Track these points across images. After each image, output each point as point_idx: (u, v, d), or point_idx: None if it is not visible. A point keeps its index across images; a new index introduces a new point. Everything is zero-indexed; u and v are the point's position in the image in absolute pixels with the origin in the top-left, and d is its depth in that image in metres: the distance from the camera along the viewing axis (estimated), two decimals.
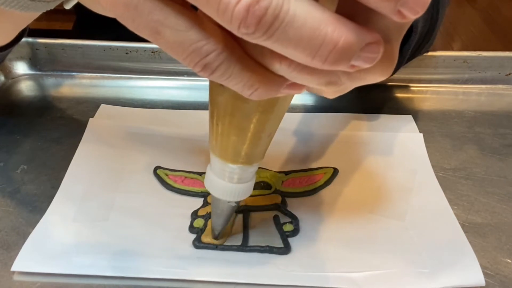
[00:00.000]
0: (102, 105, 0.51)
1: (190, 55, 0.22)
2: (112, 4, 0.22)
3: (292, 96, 0.29)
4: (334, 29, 0.19)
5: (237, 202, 0.33)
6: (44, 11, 0.35)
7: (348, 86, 0.24)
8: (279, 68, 0.22)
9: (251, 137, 0.29)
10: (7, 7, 0.33)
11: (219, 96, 0.28)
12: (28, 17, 0.40)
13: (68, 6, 0.36)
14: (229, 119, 0.28)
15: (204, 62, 0.22)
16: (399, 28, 0.23)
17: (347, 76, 0.23)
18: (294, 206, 0.40)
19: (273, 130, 0.30)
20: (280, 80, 0.23)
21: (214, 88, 0.28)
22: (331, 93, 0.26)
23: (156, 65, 0.57)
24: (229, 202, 0.33)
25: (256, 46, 0.21)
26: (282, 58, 0.22)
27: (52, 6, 0.35)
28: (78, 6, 0.36)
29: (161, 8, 0.21)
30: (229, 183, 0.31)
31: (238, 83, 0.23)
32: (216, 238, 0.36)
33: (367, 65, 0.21)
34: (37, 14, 0.37)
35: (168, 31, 0.21)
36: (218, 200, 0.33)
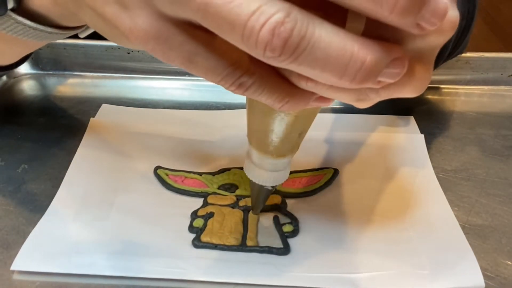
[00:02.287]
0: (103, 105, 0.51)
1: (224, 79, 0.22)
2: (142, 39, 0.22)
3: None
4: (360, 47, 0.19)
5: (273, 186, 0.35)
6: (55, 40, 0.36)
7: (376, 100, 0.25)
8: (306, 87, 0.23)
9: (283, 135, 0.31)
10: (24, 37, 0.34)
11: (254, 101, 0.29)
12: (37, 44, 0.41)
13: (82, 35, 0.37)
14: (263, 119, 0.31)
15: (237, 83, 0.23)
16: (431, 48, 0.23)
17: (376, 93, 0.23)
18: (294, 206, 0.40)
19: (304, 130, 0.32)
20: (309, 94, 0.24)
21: None
22: (360, 105, 0.26)
23: (157, 65, 0.57)
24: (265, 186, 0.35)
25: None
26: (308, 78, 0.22)
27: (63, 37, 0.36)
28: None
29: (191, 38, 0.22)
30: (265, 171, 0.34)
31: (269, 98, 0.23)
32: (255, 213, 0.39)
33: (392, 80, 0.21)
34: (43, 43, 0.38)
35: (200, 59, 0.22)
36: (255, 184, 0.35)
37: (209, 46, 0.22)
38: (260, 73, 0.23)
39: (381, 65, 0.20)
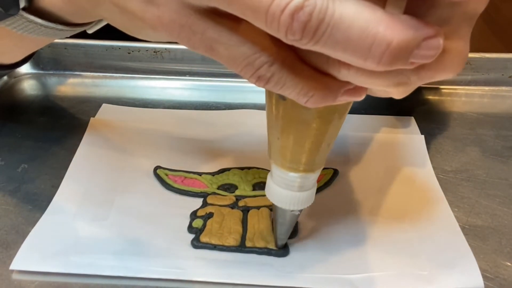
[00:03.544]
0: (104, 105, 0.51)
1: (244, 69, 0.23)
2: (168, 27, 0.23)
3: (351, 104, 0.29)
4: (386, 28, 0.19)
5: (300, 210, 0.33)
6: (65, 37, 0.37)
7: (417, 84, 0.24)
8: (339, 73, 0.23)
9: (311, 147, 0.29)
10: (35, 34, 0.35)
11: (278, 107, 0.28)
12: (46, 41, 0.41)
13: (90, 31, 0.38)
14: (288, 130, 0.28)
15: (258, 74, 0.23)
16: (468, 19, 0.22)
17: (417, 76, 0.22)
18: None
19: (332, 140, 0.30)
20: (336, 85, 0.23)
21: (272, 98, 0.28)
22: (399, 93, 0.25)
23: (158, 64, 0.57)
24: (292, 211, 0.32)
25: (312, 52, 0.21)
26: (341, 62, 0.22)
27: (72, 33, 0.36)
28: None
29: (214, 26, 0.22)
30: (291, 191, 0.31)
31: (293, 91, 0.23)
32: (280, 248, 0.36)
33: (427, 61, 0.21)
34: (53, 39, 0.38)
35: (221, 47, 0.23)
36: (280, 209, 0.33)
37: (231, 34, 0.22)
38: (283, 65, 0.23)
39: (411, 46, 0.20)
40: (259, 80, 0.23)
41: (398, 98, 0.25)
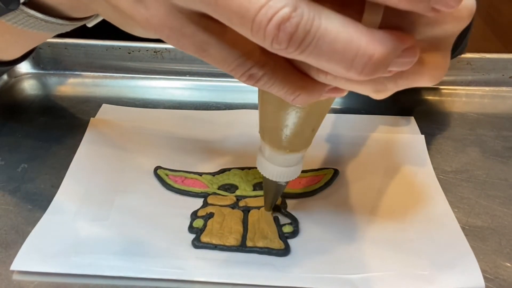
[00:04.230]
0: (104, 105, 0.51)
1: (235, 69, 0.23)
2: (158, 29, 0.23)
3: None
4: (369, 42, 0.20)
5: (286, 182, 0.36)
6: (64, 31, 0.36)
7: (394, 90, 0.25)
8: (320, 78, 0.23)
9: (297, 130, 0.31)
10: (35, 29, 0.35)
11: (267, 95, 0.30)
12: (45, 36, 0.41)
13: (90, 24, 0.38)
14: (276, 114, 0.31)
15: (248, 73, 0.23)
16: (448, 36, 0.23)
17: (394, 83, 0.24)
18: (294, 207, 0.40)
19: (317, 125, 0.33)
20: (321, 85, 0.24)
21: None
22: (377, 96, 0.26)
23: (158, 64, 0.57)
24: (278, 182, 0.36)
25: None
26: (319, 69, 0.22)
27: (72, 28, 0.36)
28: None
29: (204, 29, 0.23)
30: (277, 166, 0.34)
31: (281, 90, 0.24)
32: (268, 210, 0.39)
33: (403, 69, 0.21)
34: (52, 34, 0.38)
35: (212, 49, 0.23)
36: (268, 180, 0.36)
37: (221, 36, 0.23)
38: (272, 65, 0.23)
39: (390, 57, 0.20)
40: (249, 79, 0.23)
41: (377, 99, 0.26)
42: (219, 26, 0.22)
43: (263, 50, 0.22)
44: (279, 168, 0.34)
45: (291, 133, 0.31)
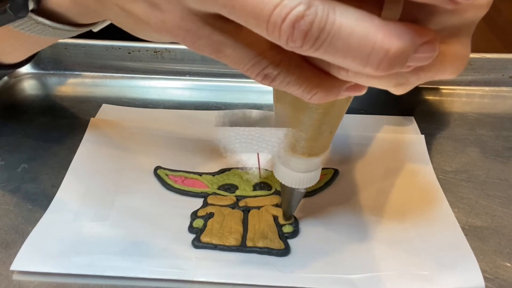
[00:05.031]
0: (104, 105, 0.51)
1: (250, 68, 0.23)
2: (173, 31, 0.24)
3: (352, 96, 0.30)
4: (385, 36, 0.20)
5: (305, 189, 0.35)
6: (68, 37, 0.37)
7: (417, 84, 0.24)
8: (341, 75, 0.23)
9: (317, 133, 0.31)
10: (42, 35, 0.35)
11: (284, 98, 0.30)
12: (51, 41, 0.41)
13: (96, 29, 0.38)
14: (295, 118, 0.30)
15: (263, 73, 0.23)
16: (468, 24, 0.23)
17: (416, 77, 0.23)
18: None
19: (334, 128, 0.32)
20: (339, 83, 0.24)
21: (278, 90, 0.30)
22: (398, 91, 0.26)
23: (158, 64, 0.57)
24: (297, 189, 0.35)
25: None
26: (341, 66, 0.22)
27: (78, 33, 0.36)
28: None
29: (219, 30, 0.23)
30: (296, 172, 0.34)
31: (297, 89, 0.24)
32: (287, 220, 0.38)
33: (423, 64, 0.21)
34: (58, 39, 0.38)
35: (228, 49, 0.23)
36: (287, 188, 0.35)
37: (236, 37, 0.23)
38: (287, 64, 0.23)
39: (407, 52, 0.20)
40: (265, 78, 0.23)
41: (398, 94, 0.26)
42: (234, 26, 0.22)
43: (279, 49, 0.22)
44: (299, 174, 0.33)
45: (311, 137, 0.31)
